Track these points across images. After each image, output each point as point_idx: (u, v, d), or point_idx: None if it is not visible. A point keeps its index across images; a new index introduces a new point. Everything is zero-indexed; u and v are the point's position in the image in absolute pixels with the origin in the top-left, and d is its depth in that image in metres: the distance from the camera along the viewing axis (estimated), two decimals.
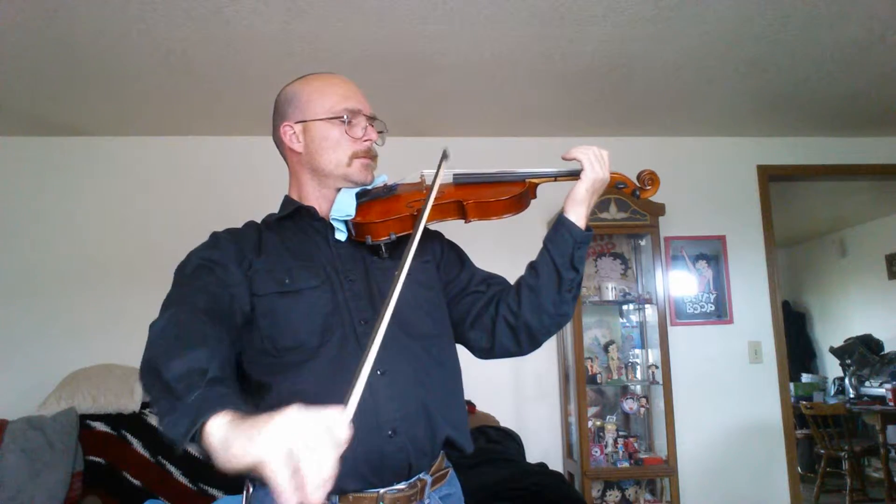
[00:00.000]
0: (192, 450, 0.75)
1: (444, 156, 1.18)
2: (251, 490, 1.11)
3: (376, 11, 2.30)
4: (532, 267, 1.22)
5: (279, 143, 1.24)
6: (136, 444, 2.72)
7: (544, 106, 3.22)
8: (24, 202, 3.29)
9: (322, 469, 0.65)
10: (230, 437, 0.72)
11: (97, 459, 2.67)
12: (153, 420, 2.81)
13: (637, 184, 1.28)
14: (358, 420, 1.03)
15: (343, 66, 2.60)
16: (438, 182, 1.12)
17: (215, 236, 1.16)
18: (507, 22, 2.40)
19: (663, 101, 3.20)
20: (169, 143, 3.41)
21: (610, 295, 3.29)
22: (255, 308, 1.09)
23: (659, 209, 3.24)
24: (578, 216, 1.18)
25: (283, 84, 1.26)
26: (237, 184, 3.35)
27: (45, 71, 2.63)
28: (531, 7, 2.30)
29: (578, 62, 2.74)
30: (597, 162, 1.18)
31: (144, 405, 2.90)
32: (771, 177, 3.70)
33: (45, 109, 3.02)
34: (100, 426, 2.75)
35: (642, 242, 3.44)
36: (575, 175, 1.19)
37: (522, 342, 1.22)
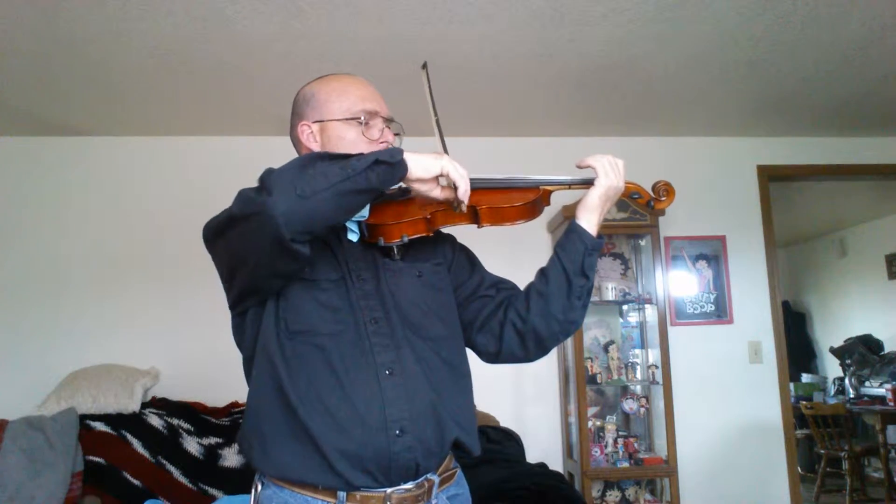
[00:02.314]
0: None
1: (424, 65, 1.26)
2: (259, 489, 1.12)
3: (376, 12, 2.30)
4: (542, 273, 1.21)
5: (296, 141, 1.24)
6: (136, 444, 2.72)
7: (544, 106, 3.22)
8: (24, 202, 3.29)
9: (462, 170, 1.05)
10: (420, 157, 1.02)
11: (97, 459, 2.66)
12: (153, 420, 2.81)
13: (651, 194, 1.27)
14: (366, 419, 1.05)
15: (343, 67, 2.59)
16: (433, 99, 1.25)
17: None
18: (507, 22, 2.40)
19: (663, 102, 3.20)
20: (169, 143, 3.41)
21: (610, 295, 3.29)
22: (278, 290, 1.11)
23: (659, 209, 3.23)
24: (590, 223, 1.18)
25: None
26: (238, 184, 3.28)
27: (44, 71, 2.63)
28: (531, 7, 2.30)
29: (578, 62, 2.74)
30: (611, 170, 1.17)
31: (144, 405, 2.90)
32: (771, 177, 3.70)
33: (45, 109, 3.02)
34: (100, 426, 2.74)
35: (642, 242, 3.44)
36: (588, 183, 1.19)
37: (530, 348, 1.22)
